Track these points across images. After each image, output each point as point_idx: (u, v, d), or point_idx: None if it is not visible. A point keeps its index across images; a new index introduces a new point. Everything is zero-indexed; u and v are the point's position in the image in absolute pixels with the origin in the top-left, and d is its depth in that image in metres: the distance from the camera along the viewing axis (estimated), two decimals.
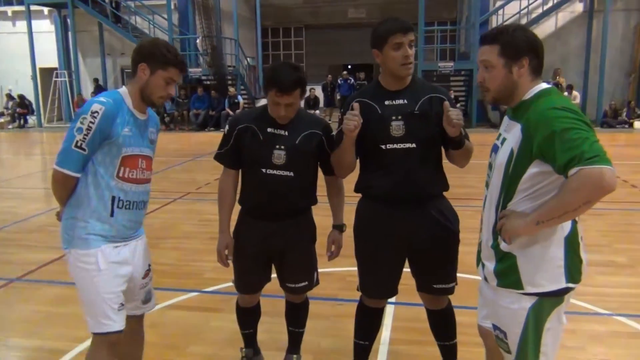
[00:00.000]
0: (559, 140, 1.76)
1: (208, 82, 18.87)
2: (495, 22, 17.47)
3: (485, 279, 2.09)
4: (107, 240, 2.30)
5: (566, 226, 1.92)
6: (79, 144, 2.19)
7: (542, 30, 17.88)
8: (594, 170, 1.69)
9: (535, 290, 1.94)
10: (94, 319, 2.29)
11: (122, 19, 19.34)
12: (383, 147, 2.48)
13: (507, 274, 1.98)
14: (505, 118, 2.09)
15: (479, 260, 2.15)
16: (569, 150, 1.73)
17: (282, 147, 2.60)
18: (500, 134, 2.09)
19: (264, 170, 2.61)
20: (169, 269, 4.75)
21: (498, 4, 17.74)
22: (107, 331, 2.29)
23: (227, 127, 2.74)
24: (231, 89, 17.69)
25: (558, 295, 1.94)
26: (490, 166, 2.10)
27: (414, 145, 2.46)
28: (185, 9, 19.57)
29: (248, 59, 20.78)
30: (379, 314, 2.80)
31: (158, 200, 7.40)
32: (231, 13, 19.61)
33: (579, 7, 17.85)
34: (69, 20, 19.53)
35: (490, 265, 2.04)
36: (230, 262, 2.80)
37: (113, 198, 2.30)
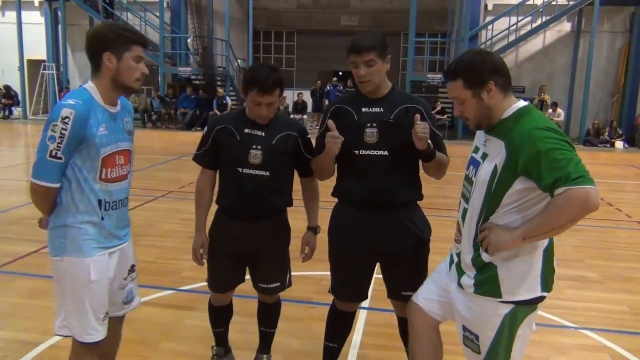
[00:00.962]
0: (545, 160, 1.85)
1: (197, 82, 18.86)
2: (484, 36, 17.73)
3: (460, 285, 2.16)
4: (100, 247, 2.28)
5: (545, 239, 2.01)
6: (53, 153, 2.11)
7: (530, 47, 18.23)
8: (580, 191, 1.80)
9: (512, 298, 2.03)
10: (80, 329, 2.26)
11: (113, 14, 19.28)
12: (357, 152, 2.55)
13: (487, 283, 2.06)
14: (480, 132, 2.17)
15: (451, 264, 2.25)
16: (556, 170, 1.82)
17: (259, 147, 2.66)
18: (477, 148, 2.17)
19: (240, 169, 2.66)
20: (147, 267, 4.75)
21: (488, 19, 18.00)
22: (92, 341, 2.28)
23: (206, 128, 2.80)
24: (219, 90, 17.70)
25: (533, 304, 2.04)
26: (468, 179, 2.18)
27: (386, 152, 2.53)
28: (177, 7, 19.57)
29: (239, 60, 20.82)
30: (350, 317, 2.86)
31: (140, 197, 7.41)
32: (223, 14, 19.63)
33: (566, 27, 18.18)
34: (59, 13, 19.42)
35: (470, 274, 2.11)
36: (204, 260, 2.84)
37: (99, 201, 2.25)
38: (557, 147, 1.86)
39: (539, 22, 17.28)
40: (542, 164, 1.85)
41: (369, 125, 2.55)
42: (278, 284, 2.88)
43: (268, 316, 3.05)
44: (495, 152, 2.02)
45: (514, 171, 1.94)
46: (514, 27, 17.41)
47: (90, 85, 2.25)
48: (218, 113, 17.09)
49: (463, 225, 2.17)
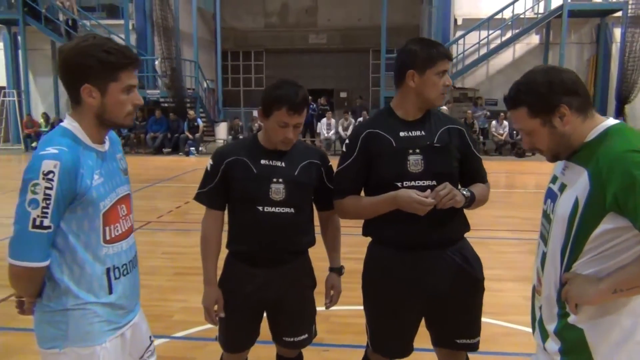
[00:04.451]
0: None
1: (166, 105, 18.37)
2: (455, 51, 17.74)
3: (545, 349, 1.78)
4: (111, 328, 1.81)
5: None
6: (38, 222, 1.61)
7: (501, 60, 18.37)
8: None
9: None
10: None
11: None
12: (399, 184, 2.20)
13: (575, 351, 1.67)
14: None
15: (534, 327, 1.86)
16: None
17: (280, 180, 2.29)
18: (555, 177, 1.81)
19: (260, 208, 2.28)
20: None
21: (458, 34, 18.07)
22: None
23: (210, 161, 2.39)
24: (190, 112, 17.25)
25: None
26: (545, 216, 1.82)
27: (434, 182, 2.18)
28: (143, 29, 19.10)
29: (207, 81, 20.42)
30: None
31: None
32: (190, 35, 19.26)
33: (535, 39, 18.39)
34: (19, 38, 18.71)
35: (555, 337, 1.72)
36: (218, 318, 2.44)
37: (108, 270, 1.78)
38: None
39: (508, 35, 17.44)
40: (638, 196, 1.48)
41: (411, 151, 2.20)
42: (305, 335, 2.50)
43: None
44: (576, 182, 1.65)
45: (601, 206, 1.56)
46: (485, 41, 17.53)
47: (71, 124, 1.76)
48: (190, 136, 16.65)
49: (543, 273, 1.79)
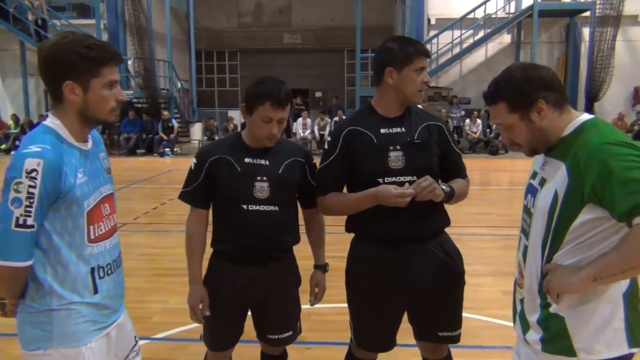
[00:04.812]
0: (619, 182, 1.52)
1: (139, 105, 18.13)
2: (429, 50, 17.89)
3: (526, 341, 1.81)
4: (97, 328, 1.78)
5: (624, 281, 1.66)
6: (21, 221, 1.59)
7: (474, 59, 18.60)
8: None
9: (590, 357, 1.66)
10: None
11: (47, 38, 18.31)
12: (381, 180, 2.22)
13: (556, 339, 1.70)
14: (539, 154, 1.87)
15: (515, 319, 1.89)
16: (633, 194, 1.50)
17: (264, 178, 2.28)
18: (535, 172, 1.85)
19: (244, 206, 2.27)
20: None
21: (432, 33, 18.24)
22: None
23: (194, 160, 2.39)
24: (165, 113, 17.06)
25: None
26: (526, 210, 1.85)
27: (414, 177, 2.21)
28: (115, 29, 18.80)
29: (181, 82, 20.22)
30: None
31: None
32: (163, 35, 19.05)
33: (507, 39, 18.65)
34: None
35: (537, 327, 1.76)
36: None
37: (92, 270, 1.76)
38: (634, 165, 1.53)
39: (481, 34, 17.67)
40: (615, 186, 1.52)
41: (391, 148, 2.23)
42: (290, 333, 2.50)
43: None
44: (555, 176, 1.69)
45: (579, 198, 1.61)
46: (458, 40, 17.72)
47: (53, 122, 1.74)
48: (164, 137, 16.47)
49: (525, 266, 1.82)
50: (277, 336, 2.49)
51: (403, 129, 2.27)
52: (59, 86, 1.70)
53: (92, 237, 1.77)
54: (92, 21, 17.77)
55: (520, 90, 1.72)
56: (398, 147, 2.24)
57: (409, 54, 2.21)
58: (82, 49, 1.68)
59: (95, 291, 1.77)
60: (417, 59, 2.22)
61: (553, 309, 1.70)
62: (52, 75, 1.70)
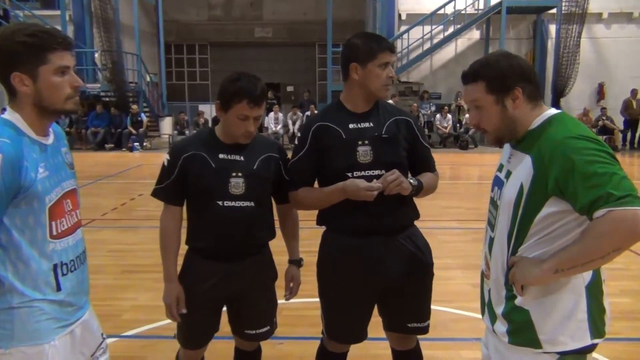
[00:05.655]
0: (581, 175, 1.54)
1: (107, 99, 17.80)
2: (400, 45, 18.03)
3: (494, 331, 1.84)
4: (60, 325, 1.74)
5: (587, 273, 1.69)
6: None
7: (444, 55, 18.79)
8: (626, 213, 1.48)
9: (555, 349, 1.69)
10: None
11: None
12: (350, 174, 2.25)
13: (521, 331, 1.73)
14: (507, 146, 1.89)
15: (483, 310, 1.92)
16: (594, 187, 1.52)
17: (240, 174, 2.27)
18: (502, 165, 1.87)
19: (219, 202, 2.26)
20: None
21: (403, 28, 18.36)
22: None
23: (167, 157, 2.35)
24: (133, 107, 16.79)
25: (582, 353, 1.70)
26: (493, 203, 1.88)
27: (383, 171, 2.24)
28: (81, 20, 18.40)
29: (150, 75, 19.91)
30: (343, 358, 2.53)
31: None
32: (131, 27, 18.71)
33: (476, 35, 18.90)
34: None
35: (503, 319, 1.79)
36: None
37: (55, 267, 1.70)
38: (596, 160, 1.55)
39: (450, 30, 17.88)
40: (577, 180, 1.54)
41: (360, 143, 2.24)
42: (267, 327, 2.50)
43: None
44: (520, 169, 1.72)
45: (543, 191, 1.63)
46: (428, 35, 17.89)
47: (12, 115, 1.67)
48: (133, 131, 16.21)
49: (491, 258, 1.85)
50: (254, 331, 2.48)
51: (371, 124, 2.30)
52: (8, 78, 1.64)
53: (54, 233, 1.72)
54: (57, 12, 17.35)
55: (502, 73, 1.74)
56: (366, 141, 2.26)
57: (372, 50, 2.23)
58: (24, 37, 1.61)
59: (58, 288, 1.73)
60: (381, 54, 2.23)
61: (518, 301, 1.73)
62: (0, 69, 1.65)
